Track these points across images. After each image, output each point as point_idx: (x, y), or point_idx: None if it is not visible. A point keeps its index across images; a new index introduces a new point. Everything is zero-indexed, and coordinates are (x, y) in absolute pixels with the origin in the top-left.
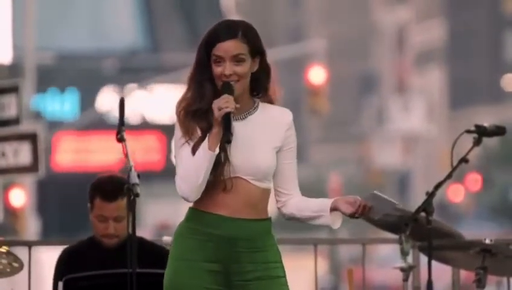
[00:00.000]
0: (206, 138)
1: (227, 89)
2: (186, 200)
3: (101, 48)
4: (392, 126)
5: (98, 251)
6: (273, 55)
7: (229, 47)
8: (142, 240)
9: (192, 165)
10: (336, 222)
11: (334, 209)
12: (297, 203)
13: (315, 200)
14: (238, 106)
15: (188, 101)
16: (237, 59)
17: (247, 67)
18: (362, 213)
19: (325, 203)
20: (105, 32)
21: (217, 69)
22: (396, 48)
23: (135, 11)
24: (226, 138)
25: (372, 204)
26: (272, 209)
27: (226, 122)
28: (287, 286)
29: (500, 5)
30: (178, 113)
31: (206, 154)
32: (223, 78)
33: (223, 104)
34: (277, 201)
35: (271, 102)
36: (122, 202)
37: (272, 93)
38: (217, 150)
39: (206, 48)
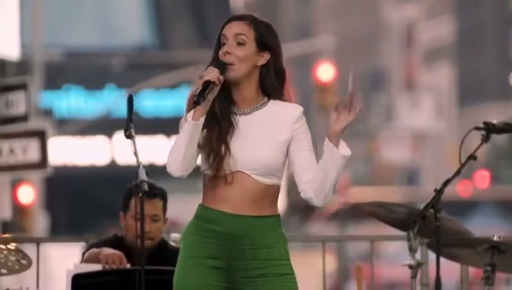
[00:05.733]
0: (192, 110)
1: (219, 64)
2: (172, 174)
3: (109, 45)
4: (401, 123)
5: (130, 258)
6: None
7: (233, 25)
8: (166, 242)
9: (178, 143)
10: (342, 150)
11: (332, 139)
12: (313, 177)
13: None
14: (221, 78)
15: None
16: (238, 40)
17: (247, 52)
18: (351, 103)
19: (325, 147)
20: (114, 29)
21: (220, 51)
22: (404, 45)
23: (143, 9)
24: (196, 99)
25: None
26: (278, 206)
27: (203, 88)
28: (294, 283)
29: (508, 2)
30: (188, 101)
31: (189, 124)
32: (221, 57)
33: (206, 73)
34: (299, 190)
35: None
36: (159, 202)
37: (287, 97)
38: (201, 121)
39: (218, 38)
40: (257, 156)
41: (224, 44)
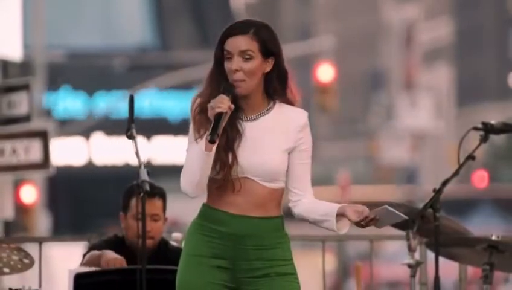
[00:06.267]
0: (204, 138)
1: (227, 89)
2: (187, 195)
3: (111, 45)
4: (400, 123)
5: (131, 258)
6: None
7: (237, 42)
8: (166, 242)
9: (191, 163)
10: (342, 227)
11: (342, 214)
12: (307, 205)
13: (324, 203)
14: (232, 106)
15: (203, 97)
16: (245, 55)
17: (255, 65)
18: (368, 224)
19: (332, 208)
20: (116, 30)
21: (227, 65)
22: (404, 45)
23: (145, 9)
24: (211, 138)
25: (380, 217)
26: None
27: (216, 122)
28: (297, 283)
29: (507, 3)
30: (193, 110)
31: (202, 154)
32: (230, 74)
33: (217, 104)
34: (289, 200)
35: (291, 104)
36: (159, 202)
37: (291, 96)
38: (213, 150)
39: (220, 45)
40: (264, 163)
41: (228, 58)
